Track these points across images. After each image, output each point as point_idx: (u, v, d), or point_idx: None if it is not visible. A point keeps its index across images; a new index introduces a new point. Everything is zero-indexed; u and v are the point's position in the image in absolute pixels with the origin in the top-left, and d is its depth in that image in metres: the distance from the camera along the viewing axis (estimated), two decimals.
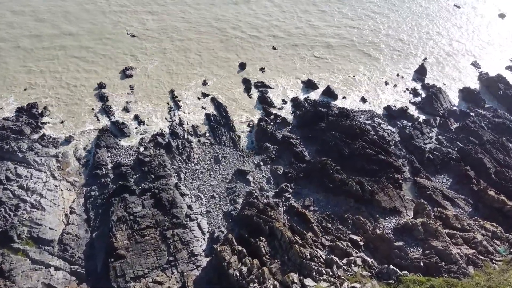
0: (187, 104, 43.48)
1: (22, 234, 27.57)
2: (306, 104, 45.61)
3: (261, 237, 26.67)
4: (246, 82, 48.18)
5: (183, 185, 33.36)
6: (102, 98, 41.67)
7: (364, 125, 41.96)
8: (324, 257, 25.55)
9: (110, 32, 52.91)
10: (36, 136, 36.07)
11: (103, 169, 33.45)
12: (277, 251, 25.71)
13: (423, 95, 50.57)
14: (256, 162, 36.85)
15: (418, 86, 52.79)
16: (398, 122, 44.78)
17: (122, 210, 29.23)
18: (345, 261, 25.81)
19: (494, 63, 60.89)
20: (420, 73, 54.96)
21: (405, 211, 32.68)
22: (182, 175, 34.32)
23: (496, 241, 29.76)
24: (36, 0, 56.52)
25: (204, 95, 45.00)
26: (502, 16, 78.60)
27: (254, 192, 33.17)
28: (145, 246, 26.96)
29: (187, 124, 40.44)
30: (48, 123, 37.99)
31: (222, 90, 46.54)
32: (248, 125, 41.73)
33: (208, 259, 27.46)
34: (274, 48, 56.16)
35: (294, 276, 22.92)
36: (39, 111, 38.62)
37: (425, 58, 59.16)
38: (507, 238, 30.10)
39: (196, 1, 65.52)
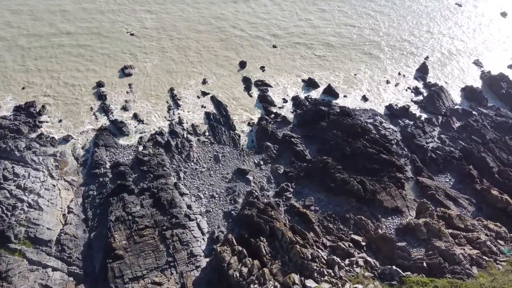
0: (187, 102, 43.08)
1: (19, 234, 27.22)
2: (307, 102, 45.19)
3: (261, 237, 26.35)
4: (246, 80, 47.77)
5: (182, 184, 32.98)
6: (101, 97, 41.28)
7: (365, 124, 41.54)
8: (325, 258, 25.21)
9: (109, 31, 52.52)
10: (34, 135, 35.69)
11: (102, 168, 33.08)
12: (278, 251, 25.37)
13: (425, 94, 50.13)
14: (256, 161, 36.46)
15: (420, 84, 52.37)
16: (400, 121, 44.37)
17: (121, 209, 28.86)
18: (347, 261, 25.47)
19: (496, 61, 60.47)
20: (422, 71, 54.53)
21: (407, 211, 32.28)
22: (182, 175, 33.93)
23: (500, 241, 29.37)
24: None
25: (204, 93, 44.60)
26: (504, 14, 78.13)
27: (254, 191, 32.82)
28: (144, 246, 26.60)
29: (187, 123, 40.05)
30: (46, 122, 37.60)
31: (222, 88, 46.14)
32: (248, 124, 41.34)
33: (207, 259, 27.12)
34: (274, 46, 55.75)
35: (295, 277, 22.58)
36: (37, 110, 38.24)
37: (427, 57, 58.71)
38: (511, 238, 29.68)
39: (195, 0, 65.10)
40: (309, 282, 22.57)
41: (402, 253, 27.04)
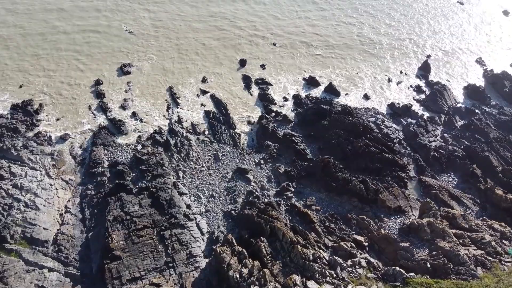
0: (186, 101, 42.60)
1: (16, 234, 26.82)
2: (308, 101, 44.70)
3: (262, 238, 25.94)
4: (246, 79, 47.28)
5: (181, 184, 32.53)
6: (99, 95, 40.78)
7: (367, 122, 41.07)
8: (327, 258, 24.75)
9: (107, 29, 52.03)
10: (31, 134, 35.21)
11: (100, 168, 32.63)
12: (279, 252, 24.94)
13: (427, 92, 49.63)
14: (256, 161, 35.98)
15: (422, 83, 51.86)
16: (402, 119, 43.90)
17: (119, 209, 28.41)
18: (349, 262, 25.01)
19: (499, 60, 60.00)
20: (424, 70, 54.02)
21: (410, 210, 31.78)
22: (181, 174, 33.46)
23: (505, 242, 28.85)
24: None
25: (204, 92, 44.11)
26: (505, 13, 77.66)
27: (254, 191, 32.43)
28: (142, 247, 26.19)
29: (186, 121, 39.58)
30: (44, 120, 37.11)
31: (221, 87, 45.64)
32: (249, 123, 40.86)
33: (207, 260, 26.73)
34: (274, 45, 55.23)
35: (297, 278, 22.13)
36: (34, 108, 37.72)
37: (429, 55, 58.18)
38: None
39: None
40: (311, 283, 22.11)
41: (405, 254, 26.57)
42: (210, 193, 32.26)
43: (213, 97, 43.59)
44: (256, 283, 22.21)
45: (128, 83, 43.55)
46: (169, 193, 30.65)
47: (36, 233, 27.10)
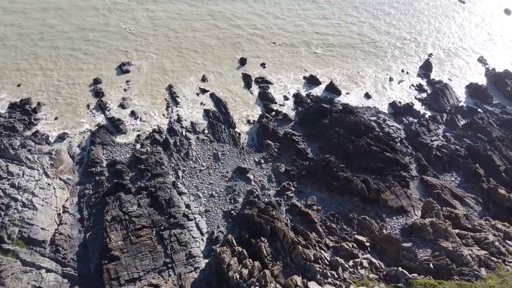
0: (186, 100, 42.23)
1: (13, 234, 26.53)
2: (309, 100, 44.33)
3: (262, 238, 25.60)
4: (246, 77, 46.90)
5: (181, 183, 32.18)
6: (98, 94, 40.42)
7: (369, 121, 40.70)
8: (328, 259, 24.40)
9: (106, 28, 51.68)
10: (29, 133, 34.88)
11: (98, 167, 32.29)
12: (279, 252, 24.60)
13: (429, 91, 49.24)
14: (257, 160, 35.63)
15: (424, 82, 51.46)
16: (403, 118, 43.51)
17: (117, 209, 28.08)
18: (351, 263, 24.65)
19: (501, 58, 59.58)
20: (426, 69, 53.62)
21: (413, 210, 31.41)
22: (180, 173, 33.11)
23: (508, 242, 28.48)
24: None
25: (203, 91, 43.74)
26: (507, 12, 77.26)
27: (254, 190, 32.10)
28: (141, 247, 25.86)
29: (186, 120, 39.22)
30: (42, 119, 36.76)
31: (221, 85, 45.27)
32: (249, 122, 40.49)
33: (206, 260, 26.41)
34: (274, 43, 54.82)
35: (298, 279, 21.76)
36: (33, 107, 37.38)
37: (431, 54, 57.79)
38: None
39: None
40: (312, 284, 21.73)
41: (408, 254, 26.20)
42: (210, 193, 31.91)
43: (213, 96, 43.23)
44: (257, 284, 21.86)
45: (127, 81, 43.20)
46: (168, 192, 30.30)
47: (33, 233, 26.81)
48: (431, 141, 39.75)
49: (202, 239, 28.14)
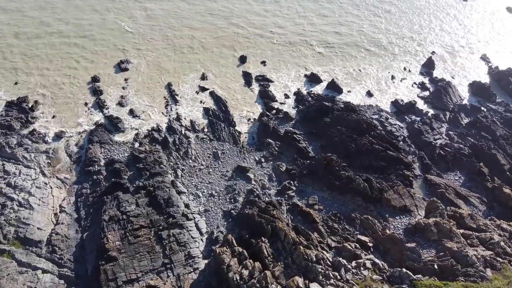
0: (185, 98, 41.69)
1: (9, 234, 26.11)
2: (310, 98, 43.77)
3: (263, 238, 25.12)
4: (246, 75, 46.34)
5: (180, 182, 31.67)
6: (96, 92, 39.90)
7: (371, 120, 40.12)
8: (331, 260, 23.86)
9: (104, 26, 51.14)
10: (26, 131, 34.40)
11: (96, 166, 31.80)
12: (280, 253, 24.09)
13: (432, 89, 48.65)
14: (257, 159, 35.10)
15: (426, 80, 50.85)
16: (406, 117, 42.95)
17: (115, 209, 27.59)
18: (353, 263, 24.11)
19: (504, 56, 58.99)
20: (428, 67, 53.02)
21: (416, 210, 30.87)
22: (179, 172, 32.60)
23: None
24: None
25: (203, 89, 43.19)
26: (509, 10, 76.64)
27: (255, 190, 31.62)
28: (139, 247, 25.37)
29: (185, 119, 38.70)
30: (39, 117, 36.26)
31: (221, 84, 44.72)
32: (249, 120, 39.94)
33: (206, 261, 25.95)
34: (274, 42, 54.24)
35: (299, 280, 21.26)
36: (30, 106, 36.90)
37: (433, 52, 57.16)
38: None
39: None
40: (314, 286, 21.24)
41: (411, 255, 25.66)
42: (210, 192, 31.40)
43: (212, 94, 42.69)
44: (257, 285, 21.38)
45: (125, 80, 42.67)
46: (167, 192, 29.80)
47: (29, 233, 26.38)
48: (434, 139, 39.18)
49: (201, 239, 27.66)
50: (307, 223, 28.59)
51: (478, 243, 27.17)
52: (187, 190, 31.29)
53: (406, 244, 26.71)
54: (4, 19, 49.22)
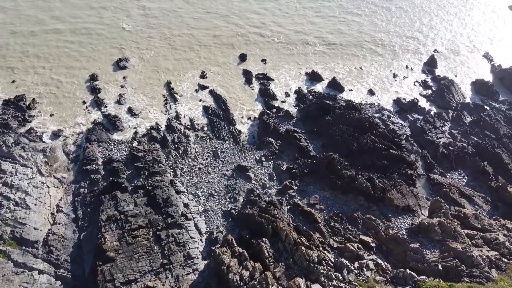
0: (184, 96, 41.22)
1: (5, 234, 25.68)
2: (311, 96, 43.27)
3: (263, 238, 24.66)
4: (246, 73, 45.85)
5: (179, 182, 31.20)
6: (94, 90, 39.43)
7: (373, 118, 39.61)
8: (333, 260, 23.39)
9: (102, 25, 50.64)
10: (23, 130, 33.95)
11: (94, 165, 31.34)
12: (281, 253, 23.61)
13: (434, 88, 48.13)
14: (257, 158, 34.61)
15: (429, 78, 50.34)
16: (408, 115, 42.43)
17: (113, 208, 27.11)
18: (356, 264, 23.62)
19: (507, 55, 58.43)
20: (430, 65, 52.51)
21: (419, 209, 30.36)
22: (178, 171, 32.12)
23: None
24: None
25: (203, 87, 42.69)
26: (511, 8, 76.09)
27: (255, 189, 31.18)
28: (137, 248, 24.90)
29: (184, 117, 38.21)
30: (36, 116, 35.79)
31: (221, 82, 44.23)
32: (249, 119, 39.45)
33: (205, 262, 25.50)
34: (274, 40, 53.70)
35: (301, 281, 20.79)
36: (27, 104, 36.44)
37: (435, 50, 56.62)
38: None
39: None
40: (316, 287, 20.74)
41: (415, 255, 25.19)
42: (209, 192, 30.93)
43: (212, 92, 42.20)
44: (258, 286, 20.91)
45: (124, 78, 42.19)
46: (166, 191, 29.32)
47: (26, 233, 25.93)
48: (437, 138, 38.67)
49: (201, 240, 27.20)
50: (308, 223, 28.14)
51: (483, 243, 26.72)
52: (186, 190, 30.82)
53: (410, 245, 26.25)
54: (0, 18, 48.75)
